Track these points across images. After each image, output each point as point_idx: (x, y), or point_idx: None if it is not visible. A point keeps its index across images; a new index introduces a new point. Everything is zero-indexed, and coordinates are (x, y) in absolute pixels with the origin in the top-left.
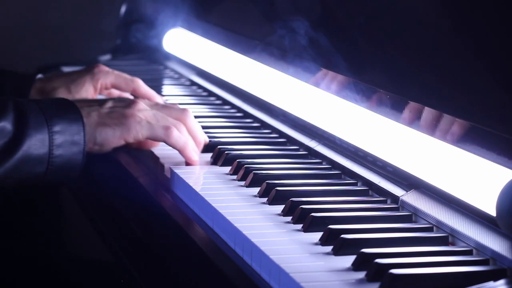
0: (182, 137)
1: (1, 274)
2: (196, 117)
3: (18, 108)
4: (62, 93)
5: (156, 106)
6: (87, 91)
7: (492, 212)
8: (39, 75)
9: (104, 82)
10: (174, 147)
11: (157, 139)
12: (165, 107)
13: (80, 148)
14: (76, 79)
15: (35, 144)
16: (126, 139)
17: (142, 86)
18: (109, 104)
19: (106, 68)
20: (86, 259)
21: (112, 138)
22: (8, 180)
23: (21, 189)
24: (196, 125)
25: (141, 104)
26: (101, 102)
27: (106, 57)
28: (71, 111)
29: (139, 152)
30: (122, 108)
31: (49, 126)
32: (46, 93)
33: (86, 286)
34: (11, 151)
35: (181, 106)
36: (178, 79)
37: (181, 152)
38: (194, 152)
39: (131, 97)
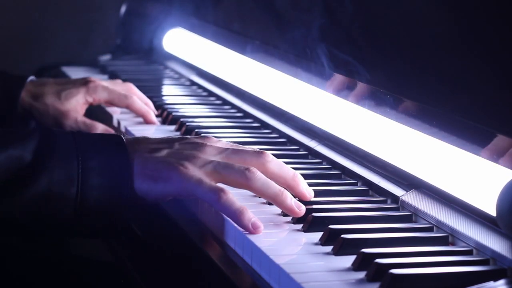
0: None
1: (3, 271)
2: (196, 117)
3: (46, 138)
4: (51, 99)
5: (226, 151)
6: (78, 101)
7: (492, 212)
8: (31, 77)
9: (98, 98)
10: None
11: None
12: (238, 151)
13: (123, 190)
14: (70, 88)
15: (59, 180)
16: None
17: (136, 102)
18: (170, 145)
19: (101, 83)
20: (87, 259)
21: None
22: (26, 217)
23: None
24: (281, 168)
25: (209, 150)
26: (159, 142)
27: (106, 57)
28: (116, 145)
29: None
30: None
31: (81, 161)
32: (36, 98)
33: (85, 285)
34: (26, 184)
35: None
36: (178, 79)
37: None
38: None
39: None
